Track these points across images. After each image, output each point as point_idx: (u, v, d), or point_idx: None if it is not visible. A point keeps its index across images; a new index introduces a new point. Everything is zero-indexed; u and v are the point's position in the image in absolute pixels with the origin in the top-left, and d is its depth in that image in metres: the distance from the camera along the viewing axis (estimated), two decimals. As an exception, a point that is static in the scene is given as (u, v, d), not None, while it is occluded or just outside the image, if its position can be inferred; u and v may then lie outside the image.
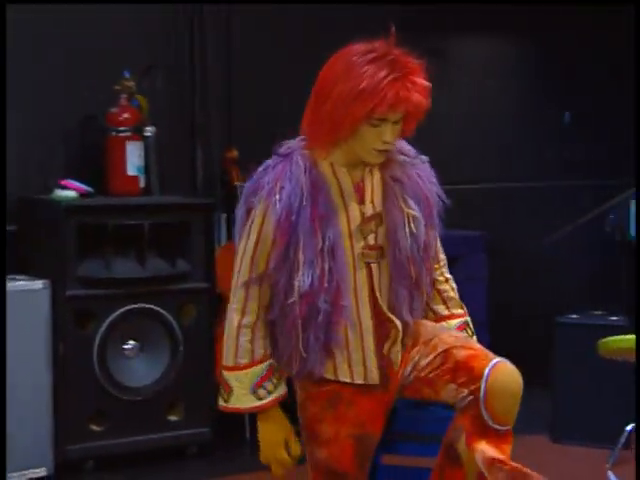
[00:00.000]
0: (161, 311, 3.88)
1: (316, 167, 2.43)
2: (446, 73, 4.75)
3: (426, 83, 2.37)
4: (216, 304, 4.11)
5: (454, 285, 2.64)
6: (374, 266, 2.45)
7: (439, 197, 2.52)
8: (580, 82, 5.15)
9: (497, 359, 2.40)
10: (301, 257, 2.36)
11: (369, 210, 2.45)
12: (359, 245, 2.43)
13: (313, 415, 2.42)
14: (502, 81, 5.05)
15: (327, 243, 2.38)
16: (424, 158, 2.54)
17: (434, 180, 2.53)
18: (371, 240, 2.45)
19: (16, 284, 3.66)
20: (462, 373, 2.40)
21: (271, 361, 2.40)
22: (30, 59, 3.97)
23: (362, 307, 2.43)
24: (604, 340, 2.27)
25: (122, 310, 3.83)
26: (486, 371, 2.36)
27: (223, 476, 3.81)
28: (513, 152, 4.79)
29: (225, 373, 2.40)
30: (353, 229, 2.43)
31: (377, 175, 2.47)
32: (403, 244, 2.43)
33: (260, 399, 2.39)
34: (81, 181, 3.97)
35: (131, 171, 3.99)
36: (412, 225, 2.44)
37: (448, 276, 2.63)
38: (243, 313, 2.39)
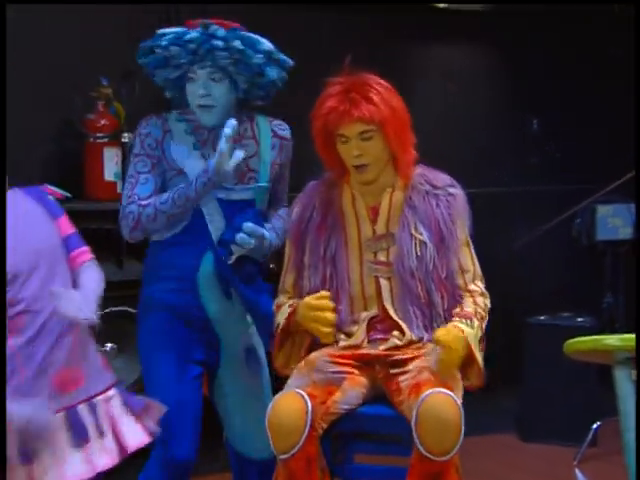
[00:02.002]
0: (139, 314, 3.93)
1: (337, 188, 2.71)
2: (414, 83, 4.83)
3: (374, 97, 2.54)
4: (192, 307, 4.16)
5: (474, 299, 2.67)
6: (383, 280, 2.65)
7: (452, 226, 2.65)
8: (547, 90, 5.23)
9: (439, 389, 2.43)
10: (307, 261, 2.67)
11: (381, 230, 2.66)
12: (368, 258, 2.66)
13: None
14: (470, 89, 5.14)
15: (329, 252, 2.65)
16: (453, 191, 2.68)
17: (453, 212, 2.66)
18: (381, 256, 2.66)
19: (-6, 288, 3.69)
20: (414, 395, 2.48)
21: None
22: (6, 64, 3.99)
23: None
24: (570, 341, 2.35)
25: (100, 313, 3.87)
26: (421, 396, 2.42)
27: (204, 476, 3.86)
28: (479, 159, 4.88)
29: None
30: (364, 243, 2.66)
31: (398, 199, 2.67)
32: (408, 264, 2.61)
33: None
34: (59, 186, 3.99)
35: (109, 177, 4.04)
36: (418, 249, 2.61)
37: (471, 288, 2.68)
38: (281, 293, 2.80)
